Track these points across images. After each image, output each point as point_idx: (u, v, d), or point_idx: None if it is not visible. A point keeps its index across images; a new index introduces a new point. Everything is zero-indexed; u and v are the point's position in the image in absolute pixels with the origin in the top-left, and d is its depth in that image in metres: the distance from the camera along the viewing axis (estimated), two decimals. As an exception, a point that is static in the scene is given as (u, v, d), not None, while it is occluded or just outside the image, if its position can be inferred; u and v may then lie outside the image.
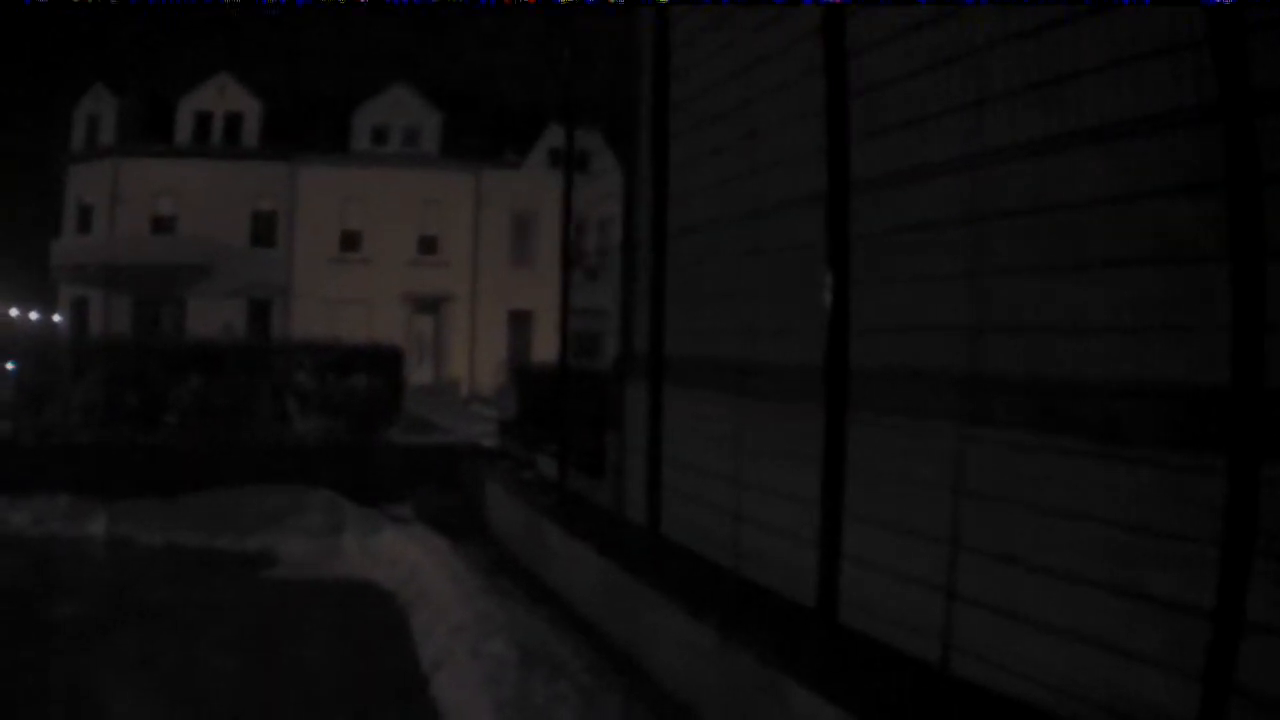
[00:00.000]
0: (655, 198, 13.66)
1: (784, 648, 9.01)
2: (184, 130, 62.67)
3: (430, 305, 60.64)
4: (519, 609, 14.31)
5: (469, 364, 58.94)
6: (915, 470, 8.69)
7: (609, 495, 16.42)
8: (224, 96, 62.80)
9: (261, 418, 26.74)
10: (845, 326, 8.91)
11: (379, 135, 64.01)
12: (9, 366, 27.72)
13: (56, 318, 70.26)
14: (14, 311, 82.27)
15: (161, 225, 61.54)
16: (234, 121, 62.95)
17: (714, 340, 12.85)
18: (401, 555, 18.51)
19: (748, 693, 9.18)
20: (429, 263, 62.55)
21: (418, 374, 50.32)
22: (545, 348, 55.43)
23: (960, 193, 8.37)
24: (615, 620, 12.75)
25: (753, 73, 11.95)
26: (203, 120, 62.87)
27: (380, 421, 27.46)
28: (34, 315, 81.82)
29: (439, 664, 12.17)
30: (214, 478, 23.82)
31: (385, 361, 28.87)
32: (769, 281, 11.50)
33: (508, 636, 12.42)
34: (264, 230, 62.42)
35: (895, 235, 9.12)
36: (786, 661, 8.69)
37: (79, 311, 61.30)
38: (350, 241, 62.86)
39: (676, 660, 10.72)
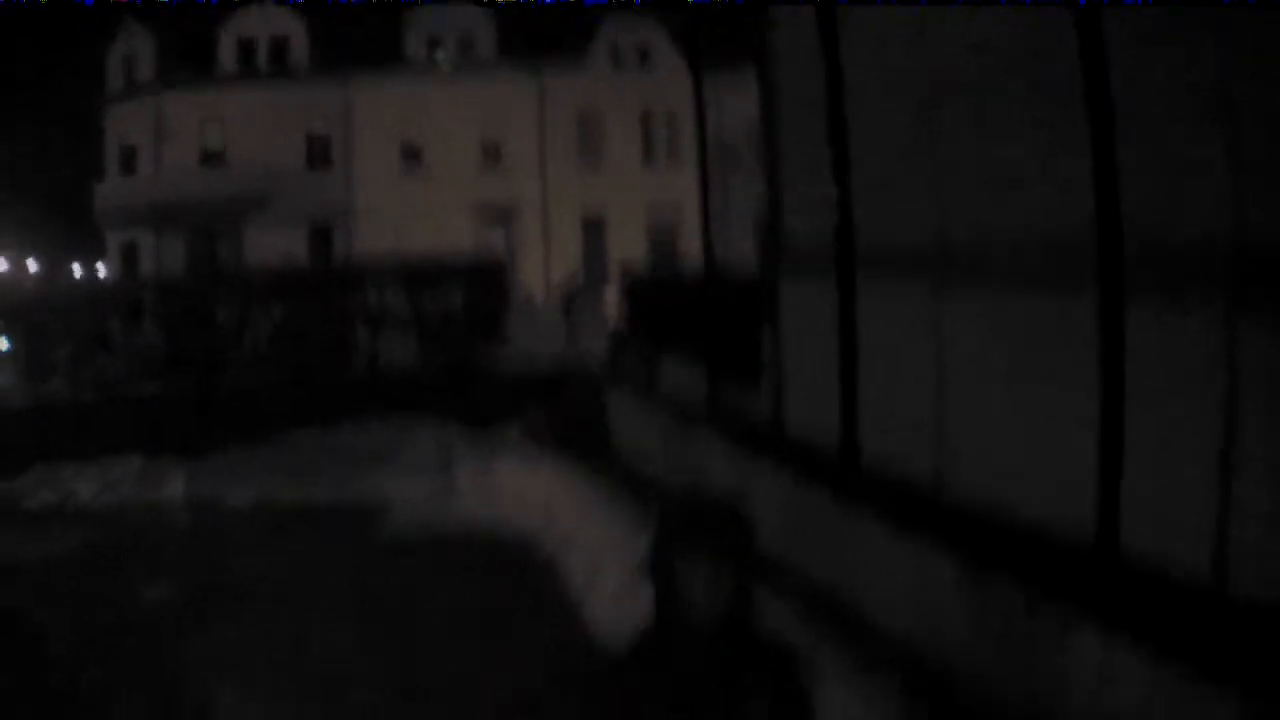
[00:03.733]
0: (825, 40, 12.04)
1: (1053, 584, 7.66)
2: (227, 59, 61.35)
3: (500, 216, 59.17)
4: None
5: (544, 273, 57.59)
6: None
7: (764, 402, 14.90)
8: (266, 19, 61.38)
9: (353, 345, 25.49)
10: (1114, 187, 7.47)
11: (433, 44, 62.43)
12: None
13: (101, 267, 69.51)
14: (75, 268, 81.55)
15: (210, 158, 60.39)
16: (280, 44, 61.57)
17: (891, 220, 11.38)
18: (528, 489, 17.23)
19: (1015, 639, 7.78)
20: (495, 171, 60.86)
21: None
22: (622, 248, 54.30)
23: None
24: (813, 552, 11.21)
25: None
26: (246, 46, 61.53)
27: (483, 342, 26.03)
28: (77, 269, 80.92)
29: (620, 622, 10.77)
30: (304, 417, 22.61)
31: (486, 276, 27.61)
32: (980, 139, 9.95)
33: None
34: (320, 153, 61.12)
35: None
36: (1066, 600, 7.36)
37: (128, 256, 60.33)
38: (412, 156, 61.23)
39: (906, 601, 9.24)
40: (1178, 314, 7.35)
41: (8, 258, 77.10)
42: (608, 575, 12.07)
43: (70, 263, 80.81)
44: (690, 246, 52.19)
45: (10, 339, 26.19)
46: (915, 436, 10.59)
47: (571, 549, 13.74)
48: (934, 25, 10.44)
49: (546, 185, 61.09)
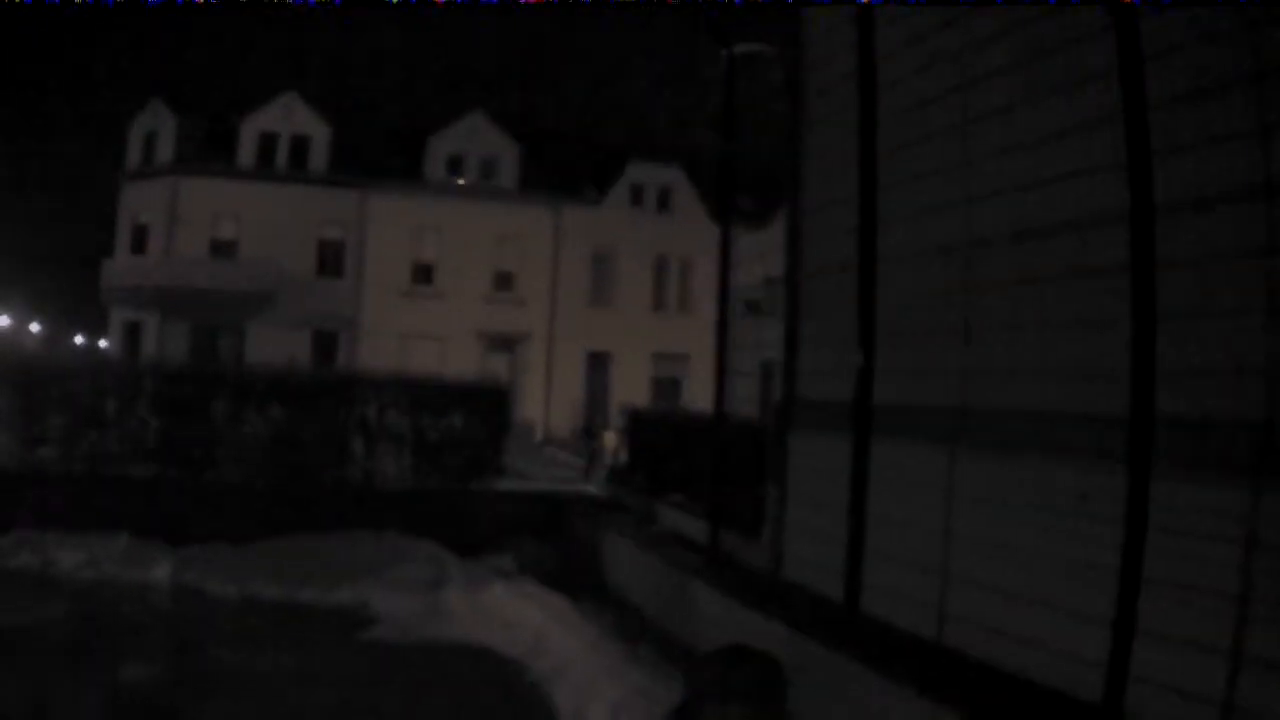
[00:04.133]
0: (863, 215, 12.32)
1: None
2: (247, 151, 61.51)
3: (505, 344, 59.22)
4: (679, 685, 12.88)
5: (544, 406, 57.61)
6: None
7: (763, 554, 15.04)
8: (290, 118, 61.65)
9: (347, 457, 25.50)
10: (1151, 367, 7.70)
11: (454, 165, 62.52)
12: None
13: (103, 343, 69.48)
14: (77, 339, 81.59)
15: (221, 249, 60.20)
16: (300, 145, 61.76)
17: (911, 384, 11.56)
18: (518, 616, 17.23)
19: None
20: (504, 300, 60.93)
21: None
22: (625, 390, 54.54)
23: None
24: (815, 704, 11.27)
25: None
26: (267, 141, 61.68)
27: (480, 467, 26.06)
28: (79, 340, 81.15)
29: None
30: (294, 521, 22.61)
31: (487, 401, 27.52)
32: (1004, 316, 10.15)
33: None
34: (331, 259, 61.02)
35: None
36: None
37: (131, 336, 60.04)
38: (422, 275, 61.19)
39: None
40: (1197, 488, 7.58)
41: (12, 317, 77.29)
42: (597, 705, 12.10)
43: (73, 333, 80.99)
44: (693, 394, 52.58)
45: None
46: (920, 591, 10.72)
47: (561, 679, 13.75)
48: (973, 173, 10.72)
49: (555, 318, 61.19)
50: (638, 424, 26.76)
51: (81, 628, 16.51)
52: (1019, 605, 9.31)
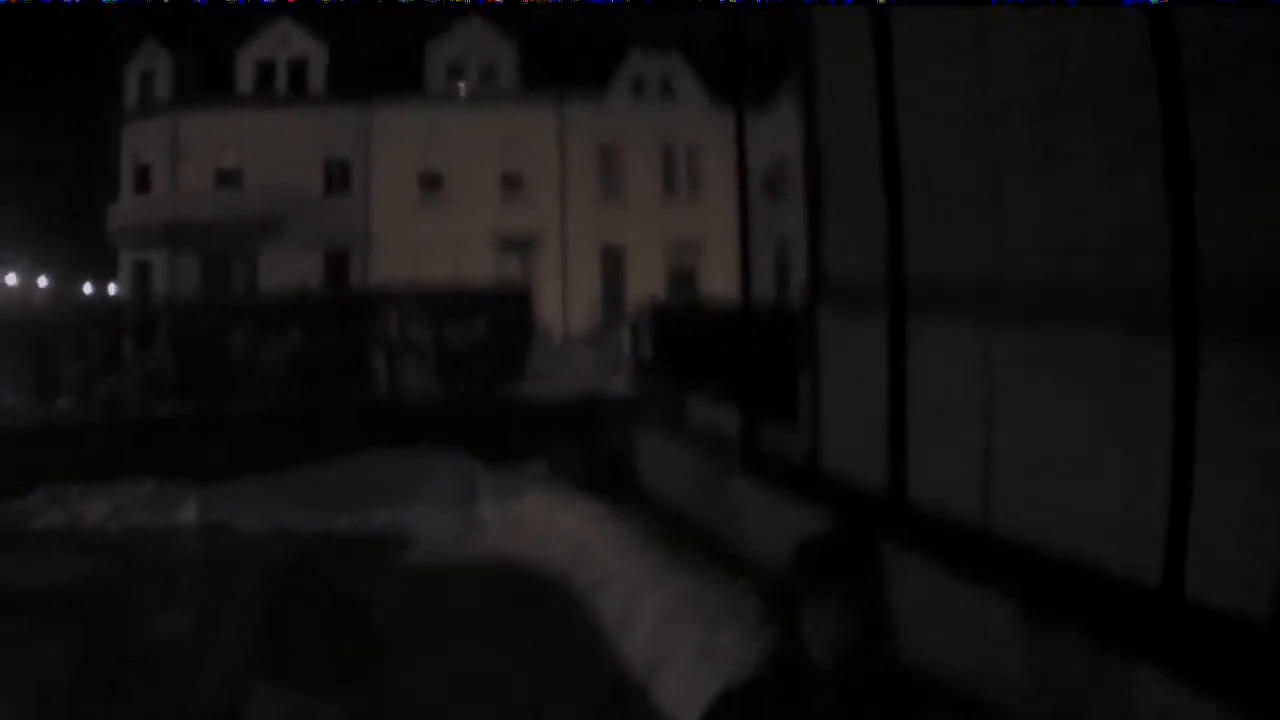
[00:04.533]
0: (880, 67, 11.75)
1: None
2: (245, 81, 61.42)
3: (518, 245, 58.96)
4: (730, 588, 12.41)
5: (561, 305, 57.19)
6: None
7: (802, 442, 14.59)
8: (286, 43, 61.28)
9: (371, 375, 25.14)
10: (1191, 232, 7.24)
11: (454, 72, 62.60)
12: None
13: (113, 286, 69.22)
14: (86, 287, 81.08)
15: (227, 179, 60.39)
16: (299, 68, 61.61)
17: (941, 255, 11.09)
18: (556, 526, 16.89)
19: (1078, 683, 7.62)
20: (515, 201, 61.05)
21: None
22: (641, 283, 54.15)
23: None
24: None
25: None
26: (265, 69, 61.56)
27: (507, 373, 25.67)
28: (87, 287, 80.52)
29: (660, 664, 10.43)
30: (321, 446, 22.23)
31: (511, 305, 27.18)
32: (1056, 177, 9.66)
33: (735, 624, 10.59)
34: (338, 178, 61.23)
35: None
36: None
37: (141, 275, 60.03)
38: (431, 184, 61.28)
39: (962, 647, 8.91)
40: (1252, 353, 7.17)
41: (18, 274, 76.99)
42: (644, 615, 11.74)
43: (81, 281, 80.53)
44: (710, 283, 52.26)
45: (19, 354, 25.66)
46: (965, 474, 10.29)
47: (604, 588, 13.40)
48: (995, 35, 10.20)
49: (566, 216, 60.99)
50: (660, 317, 26.28)
51: (104, 581, 16.10)
52: (1068, 485, 8.89)
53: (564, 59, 61.64)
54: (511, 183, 61.49)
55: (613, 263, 60.99)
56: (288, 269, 52.32)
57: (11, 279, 76.35)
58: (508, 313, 26.60)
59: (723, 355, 18.68)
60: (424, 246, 55.02)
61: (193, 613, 13.87)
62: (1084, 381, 8.79)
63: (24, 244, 73.53)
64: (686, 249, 59.02)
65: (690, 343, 23.08)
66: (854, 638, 3.37)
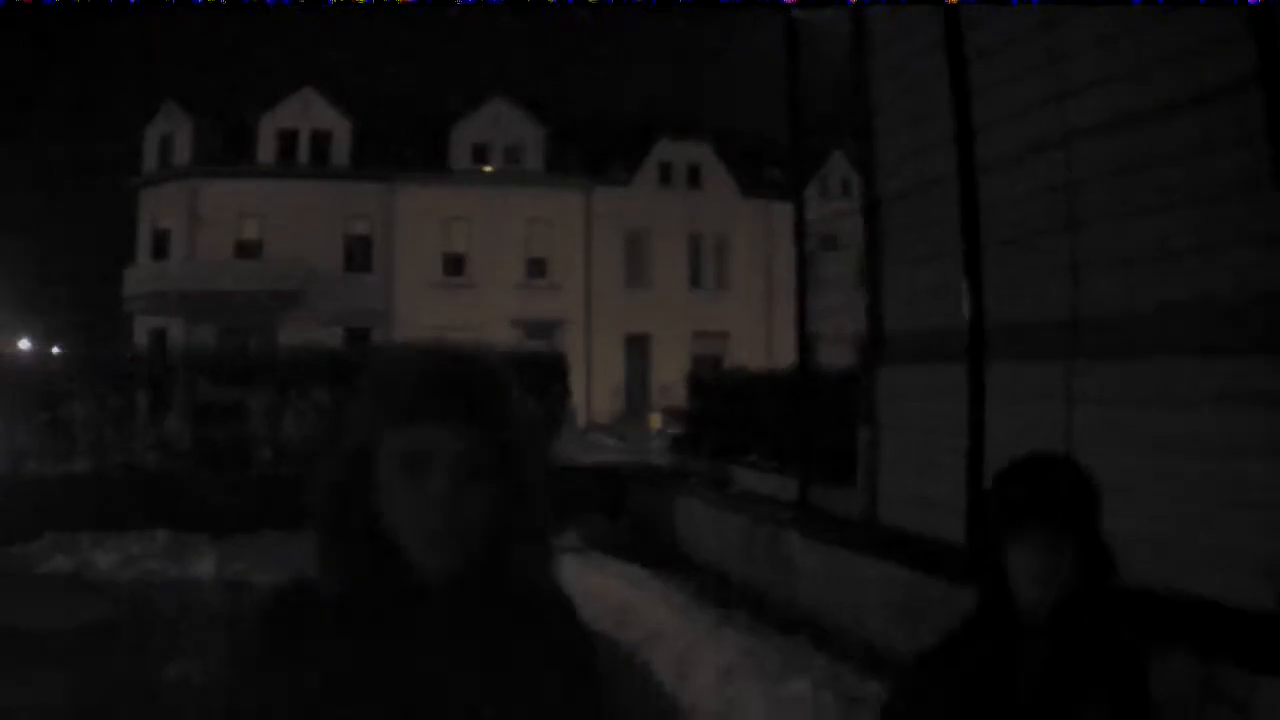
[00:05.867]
0: (959, 121, 11.74)
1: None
2: (266, 150, 61.30)
3: (541, 331, 58.54)
4: (783, 640, 12.27)
5: (585, 391, 56.86)
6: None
7: (857, 500, 14.52)
8: (308, 113, 61.27)
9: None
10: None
11: (479, 152, 62.64)
12: None
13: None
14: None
15: (246, 250, 60.17)
16: (321, 140, 61.57)
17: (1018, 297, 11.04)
18: (597, 591, 16.60)
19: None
20: (538, 286, 61.17)
21: (530, 405, 48.72)
22: (665, 371, 54.13)
23: None
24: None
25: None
26: (287, 139, 61.43)
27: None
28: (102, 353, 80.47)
29: (729, 713, 10.28)
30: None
31: (544, 372, 26.85)
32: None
33: (801, 675, 10.43)
34: (359, 254, 61.21)
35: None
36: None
37: (157, 342, 59.74)
38: (453, 265, 61.38)
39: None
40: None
41: (33, 341, 77.19)
42: (703, 669, 11.57)
43: (97, 347, 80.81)
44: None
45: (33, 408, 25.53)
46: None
47: (656, 644, 13.24)
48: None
49: (590, 302, 60.96)
50: (698, 389, 26.22)
51: (117, 631, 15.88)
52: (1160, 520, 8.75)
53: (591, 143, 61.97)
54: (536, 267, 61.46)
55: (637, 349, 61.01)
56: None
57: (26, 344, 76.54)
58: (540, 381, 26.26)
59: (763, 424, 18.67)
60: (446, 329, 54.72)
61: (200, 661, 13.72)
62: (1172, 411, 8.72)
63: (40, 313, 73.71)
64: (712, 337, 58.97)
65: (728, 413, 23.04)
66: (1060, 586, 3.11)
